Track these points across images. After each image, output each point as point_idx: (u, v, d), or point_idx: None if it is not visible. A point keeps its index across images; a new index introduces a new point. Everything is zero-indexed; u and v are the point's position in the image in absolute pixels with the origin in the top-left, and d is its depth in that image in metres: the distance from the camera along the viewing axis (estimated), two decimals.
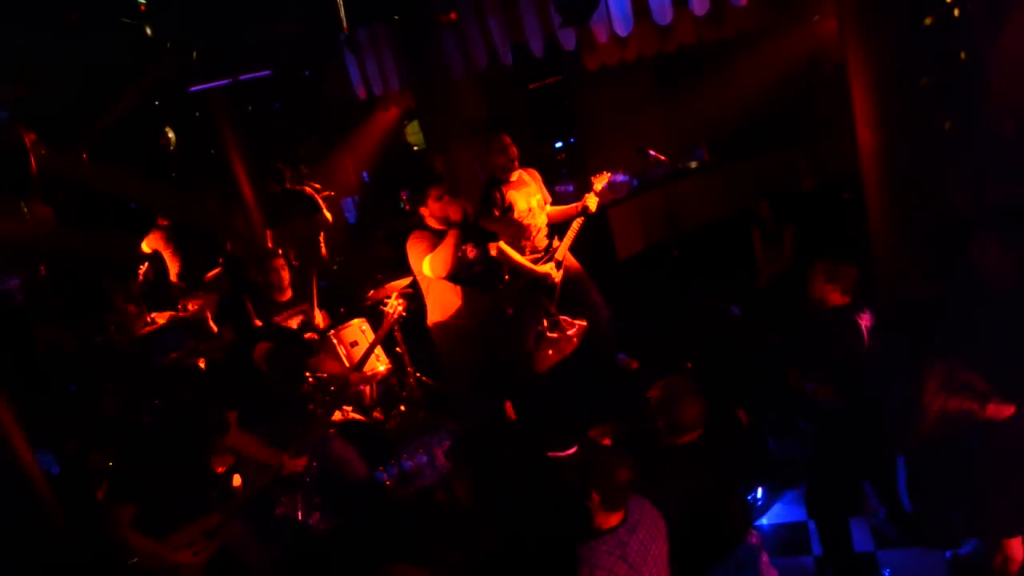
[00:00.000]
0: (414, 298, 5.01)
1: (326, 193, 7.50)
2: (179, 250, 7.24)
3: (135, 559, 3.49)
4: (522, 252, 5.12)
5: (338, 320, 5.70)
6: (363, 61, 6.90)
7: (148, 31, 5.31)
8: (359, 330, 5.63)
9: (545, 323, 6.22)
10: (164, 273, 7.29)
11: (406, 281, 5.62)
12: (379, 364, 5.46)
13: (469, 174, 6.43)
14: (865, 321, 3.65)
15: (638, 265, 7.15)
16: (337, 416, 4.60)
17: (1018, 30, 5.17)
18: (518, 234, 5.02)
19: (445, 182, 4.85)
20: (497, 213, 4.95)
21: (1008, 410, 2.68)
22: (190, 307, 6.26)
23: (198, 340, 6.13)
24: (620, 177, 7.26)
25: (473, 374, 4.23)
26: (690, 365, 5.30)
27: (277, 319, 5.09)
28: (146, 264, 6.82)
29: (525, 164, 5.26)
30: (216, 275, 6.85)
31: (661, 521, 2.80)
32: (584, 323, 5.95)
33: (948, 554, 3.53)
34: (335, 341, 5.45)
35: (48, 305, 6.30)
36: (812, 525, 3.89)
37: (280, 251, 6.27)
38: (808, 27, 7.64)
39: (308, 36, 6.70)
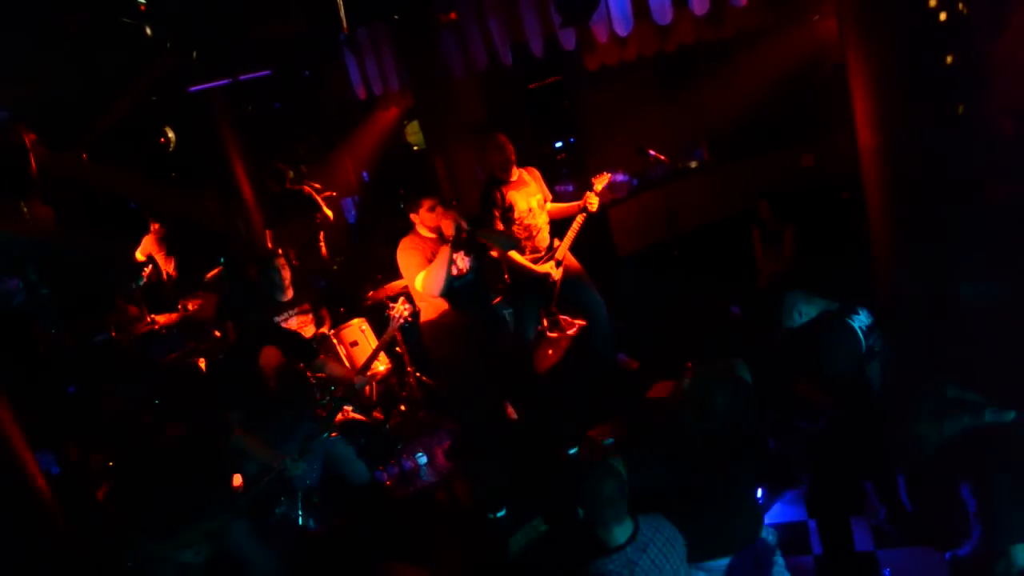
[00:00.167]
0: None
1: (327, 193, 7.50)
2: (172, 252, 7.24)
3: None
4: (522, 252, 5.13)
5: (338, 320, 5.70)
6: (363, 61, 6.90)
7: (148, 31, 5.31)
8: (359, 330, 5.63)
9: (545, 323, 6.23)
10: (161, 274, 7.29)
11: (406, 281, 5.63)
12: (379, 364, 5.46)
13: (469, 174, 6.44)
14: (860, 323, 3.64)
15: (638, 265, 7.15)
16: (338, 416, 4.60)
17: (1018, 30, 5.17)
18: (519, 209, 5.02)
19: (439, 193, 4.84)
20: (497, 213, 4.94)
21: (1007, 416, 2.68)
22: (190, 307, 6.26)
23: (198, 340, 6.13)
24: (620, 177, 7.26)
25: (464, 372, 4.23)
26: (690, 365, 5.30)
27: (278, 319, 5.09)
28: (150, 267, 6.83)
29: (525, 163, 5.26)
30: (216, 275, 6.86)
31: (680, 539, 2.75)
32: (584, 323, 5.95)
33: (948, 554, 3.53)
34: (335, 341, 5.45)
35: (48, 305, 6.30)
36: (812, 525, 3.89)
37: (280, 251, 6.27)
38: (808, 27, 7.63)
39: (308, 36, 6.70)
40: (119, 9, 5.20)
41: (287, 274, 5.14)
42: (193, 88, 6.76)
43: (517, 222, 5.06)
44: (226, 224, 8.03)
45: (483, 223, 4.79)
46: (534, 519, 3.89)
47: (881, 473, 3.81)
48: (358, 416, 5.10)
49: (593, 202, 5.05)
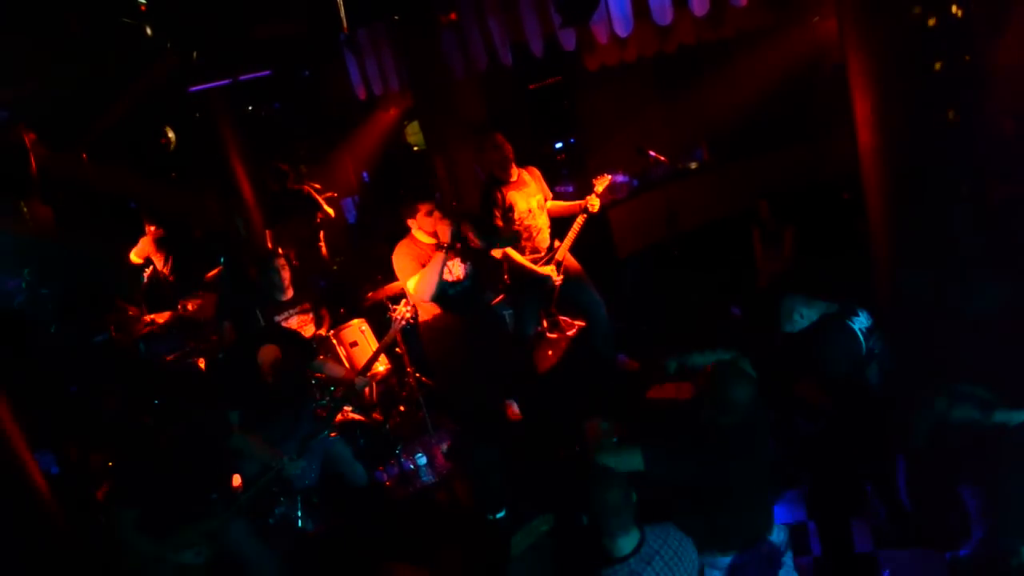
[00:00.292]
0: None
1: (328, 194, 7.50)
2: (170, 254, 7.24)
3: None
4: (523, 253, 5.12)
5: (338, 320, 5.71)
6: (363, 61, 6.89)
7: (148, 31, 5.30)
8: (359, 330, 5.63)
9: (545, 323, 6.23)
10: (162, 275, 7.28)
11: None
12: (379, 364, 5.46)
13: (469, 174, 6.44)
14: (860, 325, 3.63)
15: (638, 265, 7.15)
16: (337, 416, 4.60)
17: (1018, 30, 5.17)
18: (519, 209, 5.02)
19: (437, 196, 4.85)
20: (498, 213, 4.94)
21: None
22: (190, 307, 6.26)
23: (198, 340, 6.13)
24: (620, 177, 7.26)
25: (462, 373, 4.23)
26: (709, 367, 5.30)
27: (278, 319, 5.09)
28: (151, 268, 6.82)
29: (525, 163, 5.26)
30: (216, 275, 6.85)
31: (690, 550, 2.70)
32: (584, 324, 5.95)
33: (948, 554, 3.54)
34: (335, 341, 5.45)
35: (48, 305, 6.30)
36: (812, 525, 3.89)
37: (281, 250, 6.27)
38: (808, 27, 7.64)
39: (308, 36, 6.69)
40: (119, 9, 5.20)
41: (287, 274, 5.14)
42: (193, 88, 6.76)
43: (517, 222, 5.05)
44: (226, 224, 8.02)
45: (482, 223, 4.79)
46: (535, 519, 3.88)
47: (881, 474, 3.81)
48: (358, 416, 5.10)
49: (594, 203, 5.05)
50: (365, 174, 9.39)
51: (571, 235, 5.17)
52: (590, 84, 8.09)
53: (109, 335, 6.38)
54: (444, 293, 4.12)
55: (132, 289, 6.67)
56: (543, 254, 5.18)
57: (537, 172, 5.25)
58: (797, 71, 7.61)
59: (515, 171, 5.07)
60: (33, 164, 6.31)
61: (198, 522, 3.51)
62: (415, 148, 9.25)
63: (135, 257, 7.02)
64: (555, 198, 5.47)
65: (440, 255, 3.99)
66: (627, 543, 2.59)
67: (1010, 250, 4.14)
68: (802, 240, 6.57)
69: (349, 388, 4.52)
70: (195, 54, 5.83)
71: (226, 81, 6.82)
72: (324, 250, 7.69)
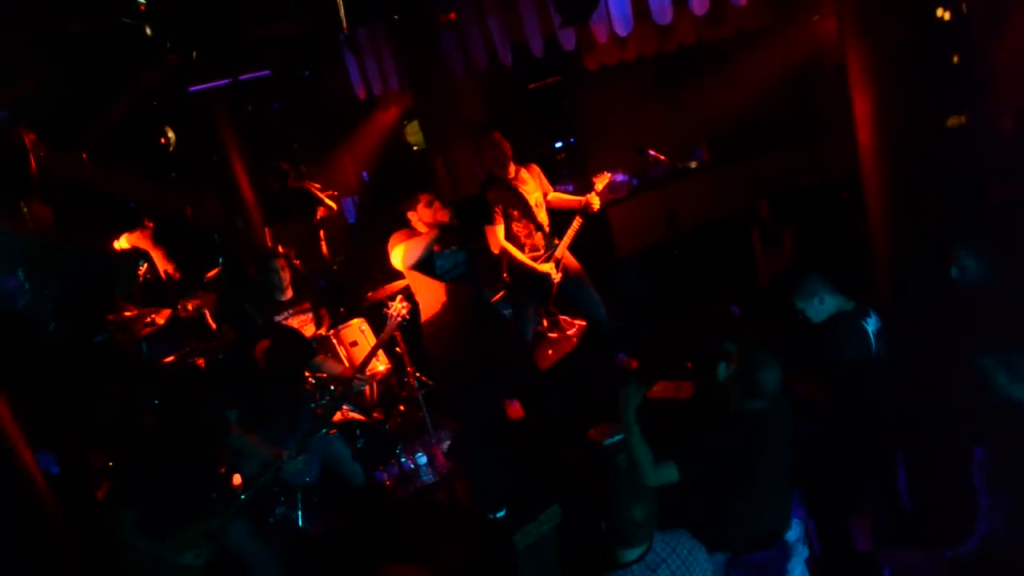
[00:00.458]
0: (414, 300, 5.01)
1: (329, 193, 7.50)
2: (171, 250, 7.24)
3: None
4: (523, 250, 5.13)
5: (338, 320, 5.70)
6: (363, 61, 6.89)
7: (148, 31, 5.31)
8: (359, 330, 5.63)
9: (545, 323, 6.23)
10: (165, 272, 7.29)
11: (405, 281, 5.62)
12: (379, 364, 5.46)
13: (469, 174, 6.43)
14: (872, 326, 3.62)
15: (638, 265, 7.15)
16: (337, 416, 4.60)
17: (1018, 30, 5.17)
18: (519, 207, 5.02)
19: (435, 189, 4.83)
20: (498, 211, 4.95)
21: None
22: (190, 307, 6.26)
23: (198, 340, 6.13)
24: (620, 177, 7.26)
25: (463, 371, 4.23)
26: (690, 365, 5.30)
27: (277, 318, 5.09)
28: (145, 265, 6.81)
29: (525, 162, 5.27)
30: (216, 275, 6.85)
31: (701, 560, 2.64)
32: (584, 323, 5.95)
33: (949, 553, 3.54)
34: (335, 341, 5.45)
35: (48, 305, 6.29)
36: (812, 525, 3.89)
37: (281, 250, 6.27)
38: (808, 27, 7.64)
39: (308, 36, 6.69)
40: (119, 9, 5.20)
41: (286, 274, 5.14)
42: (193, 88, 6.76)
43: (517, 220, 5.08)
44: (226, 224, 8.02)
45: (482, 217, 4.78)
46: (541, 514, 3.87)
47: (880, 473, 3.82)
48: (357, 416, 5.10)
49: (594, 201, 5.06)
50: (365, 174, 9.39)
51: (570, 233, 5.18)
52: (590, 84, 8.09)
53: (109, 335, 6.37)
54: (441, 277, 4.10)
55: (131, 288, 6.66)
56: (542, 251, 5.18)
57: (537, 169, 5.27)
58: (797, 71, 7.61)
59: (513, 168, 5.09)
60: (33, 164, 6.30)
61: (198, 522, 3.51)
62: (415, 148, 9.25)
63: (122, 243, 7.00)
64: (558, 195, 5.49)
65: (432, 233, 3.97)
66: (635, 550, 2.54)
67: (1010, 250, 4.14)
68: (802, 240, 6.57)
69: (348, 387, 4.52)
70: (195, 54, 5.84)
71: (226, 81, 6.82)
72: (324, 250, 7.69)
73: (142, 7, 5.16)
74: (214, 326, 6.05)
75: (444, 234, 4.03)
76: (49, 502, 4.08)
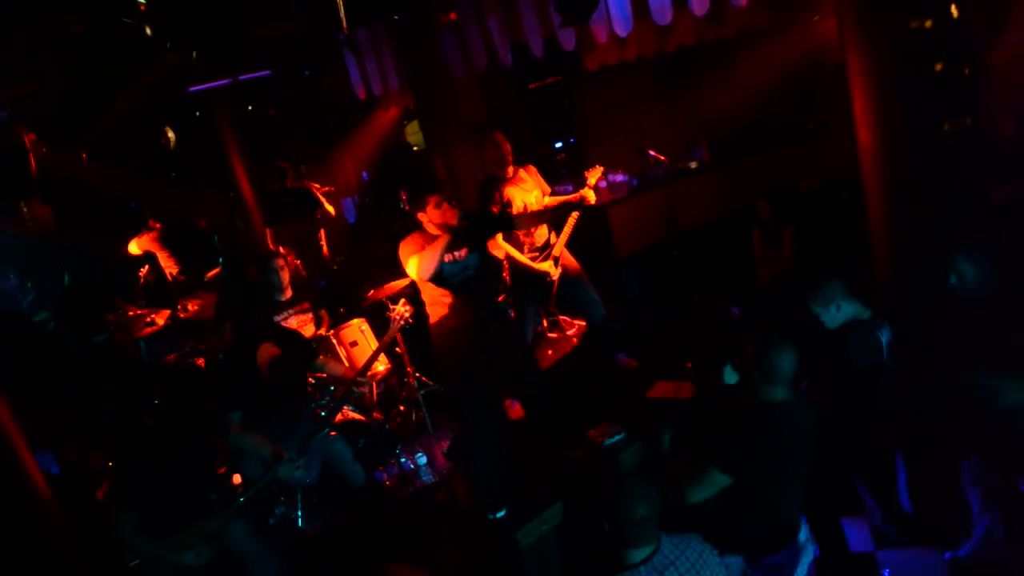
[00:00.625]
0: (418, 302, 5.02)
1: (326, 189, 7.50)
2: (176, 251, 7.24)
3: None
4: (521, 249, 5.14)
5: (338, 320, 5.71)
6: (363, 61, 6.89)
7: (148, 31, 5.31)
8: (359, 330, 5.63)
9: (545, 323, 6.23)
10: (164, 274, 7.29)
11: (406, 281, 5.62)
12: (379, 364, 5.46)
13: (469, 174, 6.43)
14: (886, 337, 3.60)
15: (638, 265, 7.15)
16: (337, 417, 4.59)
17: (1018, 30, 5.17)
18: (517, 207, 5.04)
19: (444, 189, 4.83)
20: (496, 211, 4.96)
21: None
22: (190, 307, 6.26)
23: (198, 340, 6.14)
24: (620, 177, 7.26)
25: (466, 372, 4.23)
26: (690, 365, 5.30)
27: (277, 319, 5.09)
28: (147, 267, 6.82)
29: (524, 162, 5.27)
30: (216, 275, 6.85)
31: (712, 564, 2.60)
32: (584, 323, 5.95)
33: (948, 554, 3.54)
34: (335, 341, 5.45)
35: (48, 305, 6.30)
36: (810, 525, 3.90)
37: (282, 250, 6.28)
38: (808, 27, 7.64)
39: (308, 36, 6.69)
40: (119, 9, 5.20)
41: (286, 274, 5.15)
42: (193, 88, 6.76)
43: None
44: (225, 224, 8.03)
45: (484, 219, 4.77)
46: (544, 512, 3.87)
47: (875, 473, 3.82)
48: (357, 416, 5.10)
49: (589, 196, 5.07)
50: (365, 174, 9.39)
51: (567, 229, 5.19)
52: (590, 84, 8.09)
53: (109, 335, 6.38)
54: (445, 280, 4.10)
55: (132, 289, 6.67)
56: (540, 250, 5.20)
57: (534, 169, 5.29)
58: (797, 71, 7.61)
59: (512, 169, 5.10)
60: (33, 164, 6.31)
61: (198, 523, 3.51)
62: (415, 148, 9.25)
63: (134, 248, 7.02)
64: (555, 196, 5.49)
65: (445, 236, 3.97)
66: (641, 551, 2.51)
67: (1010, 250, 4.14)
68: (802, 240, 6.57)
69: (349, 388, 4.52)
70: (195, 54, 5.83)
71: (226, 81, 6.82)
72: (324, 250, 7.69)
73: (142, 7, 5.16)
74: (214, 329, 6.06)
75: (454, 239, 4.02)
76: (49, 502, 4.09)
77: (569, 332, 6.17)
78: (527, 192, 5.14)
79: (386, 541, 4.41)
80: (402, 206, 8.74)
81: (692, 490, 2.90)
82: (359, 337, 5.60)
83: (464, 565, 4.28)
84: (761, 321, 5.64)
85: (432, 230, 4.10)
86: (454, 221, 4.01)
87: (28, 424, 4.23)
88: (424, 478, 4.99)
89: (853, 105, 4.23)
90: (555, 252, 5.20)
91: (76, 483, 5.11)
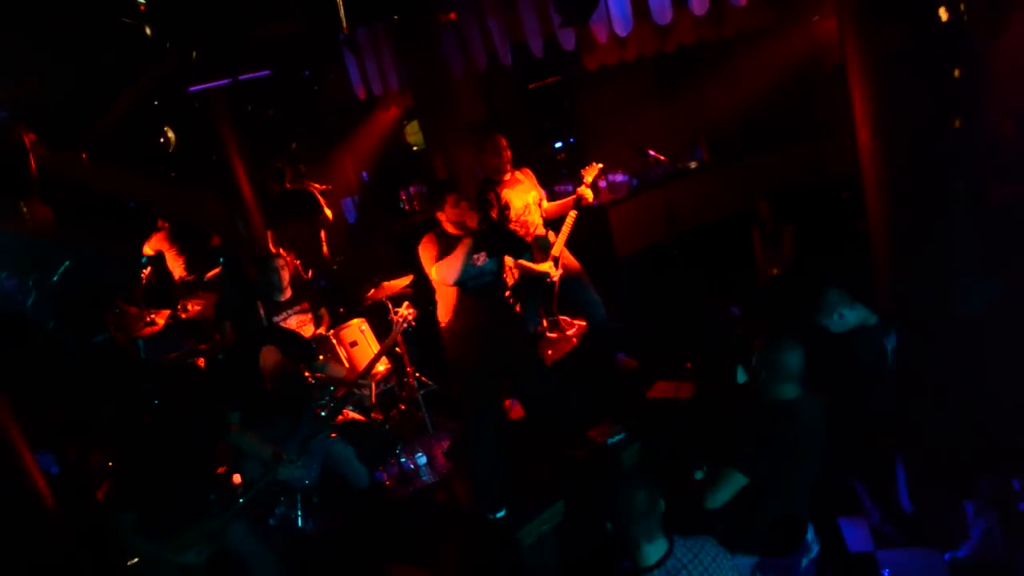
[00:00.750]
0: (422, 305, 5.02)
1: (324, 188, 7.50)
2: (183, 249, 7.24)
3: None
4: None
5: (338, 320, 5.71)
6: (363, 61, 6.89)
7: (148, 31, 5.31)
8: (358, 330, 5.64)
9: (545, 323, 6.23)
10: (167, 274, 7.28)
11: (405, 281, 5.63)
12: (379, 364, 5.46)
13: (469, 174, 6.44)
14: (891, 344, 3.60)
15: (638, 265, 7.15)
16: (337, 417, 4.59)
17: (1017, 31, 5.17)
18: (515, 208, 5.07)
19: (491, 175, 4.83)
20: (494, 213, 4.97)
21: None
22: (190, 307, 6.26)
23: (198, 340, 6.14)
24: (620, 177, 7.26)
25: (477, 375, 4.23)
26: (690, 365, 5.31)
27: (277, 319, 5.10)
28: (149, 268, 6.82)
29: (525, 164, 5.29)
30: (216, 275, 6.85)
31: (725, 567, 2.55)
32: (584, 323, 5.95)
33: (947, 555, 3.54)
34: (335, 341, 5.45)
35: (48, 305, 6.30)
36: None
37: (281, 251, 6.28)
38: (808, 27, 7.63)
39: (308, 36, 6.69)
40: (119, 9, 5.20)
41: (286, 275, 5.15)
42: (193, 88, 6.76)
43: (514, 220, 5.10)
44: (225, 224, 8.03)
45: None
46: (546, 510, 3.86)
47: (874, 473, 3.82)
48: (357, 416, 5.10)
49: (586, 194, 5.07)
50: (365, 174, 9.39)
51: (565, 229, 5.20)
52: (590, 84, 8.08)
53: (109, 335, 6.38)
54: (463, 284, 4.10)
55: (132, 289, 6.67)
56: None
57: (530, 172, 5.33)
58: (797, 71, 7.61)
59: (509, 171, 5.13)
60: (33, 164, 6.31)
61: (197, 523, 3.51)
62: (415, 148, 9.25)
63: (148, 249, 7.04)
64: (554, 198, 5.50)
65: (468, 240, 3.97)
66: (652, 553, 2.46)
67: (1010, 250, 4.14)
68: (802, 240, 6.57)
69: (350, 389, 4.52)
70: (195, 54, 5.83)
71: (226, 81, 6.82)
72: (324, 250, 7.69)
73: (142, 7, 5.16)
74: (214, 328, 6.06)
75: (475, 244, 4.03)
76: (49, 502, 4.09)
77: (569, 332, 6.18)
78: (524, 194, 5.17)
79: (386, 541, 4.41)
80: (402, 206, 8.74)
81: (712, 494, 2.87)
82: (359, 337, 5.61)
83: (464, 565, 4.28)
84: (761, 321, 5.64)
85: (450, 229, 4.10)
86: (473, 223, 4.01)
87: (28, 424, 4.24)
88: (424, 478, 4.99)
89: (853, 105, 4.23)
90: (555, 252, 5.21)
91: (76, 483, 5.11)
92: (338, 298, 6.47)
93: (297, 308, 5.21)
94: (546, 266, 5.16)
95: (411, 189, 8.67)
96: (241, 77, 6.87)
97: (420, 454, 5.16)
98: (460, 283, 4.05)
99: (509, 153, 5.07)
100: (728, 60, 8.03)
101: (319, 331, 5.32)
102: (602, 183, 7.02)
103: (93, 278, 6.82)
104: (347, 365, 5.35)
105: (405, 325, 4.74)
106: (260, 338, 4.18)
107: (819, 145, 7.64)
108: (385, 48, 6.80)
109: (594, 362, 5.69)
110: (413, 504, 4.81)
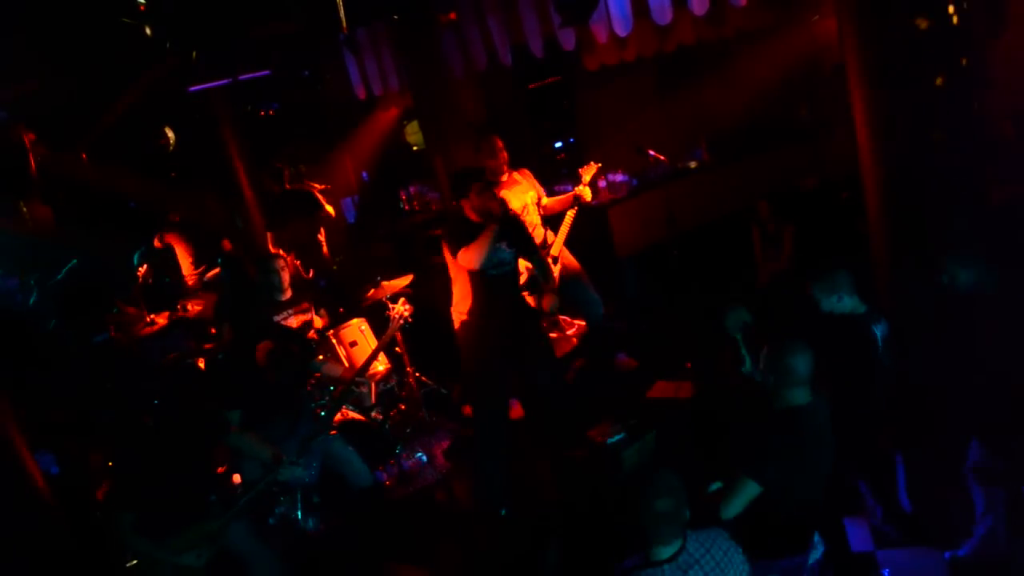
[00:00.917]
0: (417, 302, 5.02)
1: (324, 187, 7.50)
2: (192, 243, 7.26)
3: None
4: None
5: (338, 320, 5.70)
6: (363, 61, 6.89)
7: (148, 31, 5.31)
8: (358, 330, 5.63)
9: (545, 323, 6.23)
10: (169, 272, 7.28)
11: (405, 281, 5.63)
12: (378, 364, 5.46)
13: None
14: (882, 332, 3.61)
15: (638, 265, 7.15)
16: (337, 416, 4.60)
17: (1018, 30, 5.17)
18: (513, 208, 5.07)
19: (488, 176, 4.88)
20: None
21: None
22: (190, 308, 6.26)
23: (198, 340, 6.14)
24: (620, 177, 7.26)
25: (488, 366, 4.25)
26: (690, 365, 5.31)
27: (277, 319, 5.09)
28: (145, 266, 6.82)
29: (524, 164, 5.29)
30: (216, 275, 6.85)
31: (738, 562, 2.55)
32: (583, 323, 5.95)
33: (948, 554, 3.54)
34: (334, 341, 5.45)
35: (48, 305, 6.30)
36: None
37: (281, 251, 6.27)
38: (808, 27, 7.64)
39: (308, 36, 6.69)
40: (119, 9, 5.20)
41: (286, 275, 5.15)
42: (193, 88, 6.76)
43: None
44: (226, 224, 8.03)
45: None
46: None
47: (876, 472, 3.82)
48: (357, 416, 5.10)
49: (584, 193, 5.08)
50: (365, 174, 9.39)
51: (564, 228, 5.21)
52: (590, 84, 8.09)
53: (109, 335, 6.38)
54: (484, 272, 4.13)
55: (131, 289, 6.67)
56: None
57: (528, 172, 5.34)
58: (797, 71, 7.61)
59: (507, 172, 5.14)
60: (33, 164, 6.31)
61: (197, 524, 3.51)
62: (415, 148, 9.25)
63: (159, 242, 7.05)
64: (553, 197, 5.50)
65: (493, 227, 4.00)
66: (665, 548, 2.45)
67: (1010, 251, 4.14)
68: (802, 240, 6.57)
69: (347, 388, 4.52)
70: (195, 54, 5.83)
71: (226, 81, 6.82)
72: (324, 250, 7.69)
73: (142, 7, 5.16)
74: (214, 328, 6.06)
75: (501, 231, 4.06)
76: (49, 502, 4.09)
77: (569, 332, 6.17)
78: (522, 194, 5.17)
79: (386, 541, 4.41)
80: (402, 206, 8.74)
81: (727, 505, 2.85)
82: (359, 337, 5.60)
83: (464, 565, 4.28)
84: (763, 322, 5.64)
85: (473, 216, 4.13)
86: (497, 209, 4.05)
87: (28, 424, 4.24)
88: (424, 478, 4.99)
89: (853, 105, 4.23)
90: (554, 251, 5.21)
91: (76, 483, 5.11)
92: (338, 298, 6.47)
93: (297, 308, 5.20)
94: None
95: (411, 189, 8.67)
96: (241, 77, 6.87)
97: (420, 454, 5.16)
98: (483, 270, 4.08)
99: (505, 154, 5.08)
100: (728, 60, 8.03)
101: (315, 326, 5.31)
102: (602, 183, 7.02)
103: (94, 278, 6.82)
104: (347, 365, 5.35)
105: (401, 321, 4.74)
106: (260, 338, 4.17)
107: (819, 145, 7.64)
108: (385, 48, 6.80)
109: (594, 362, 5.69)
110: (413, 504, 4.81)
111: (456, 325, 4.34)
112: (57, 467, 5.04)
